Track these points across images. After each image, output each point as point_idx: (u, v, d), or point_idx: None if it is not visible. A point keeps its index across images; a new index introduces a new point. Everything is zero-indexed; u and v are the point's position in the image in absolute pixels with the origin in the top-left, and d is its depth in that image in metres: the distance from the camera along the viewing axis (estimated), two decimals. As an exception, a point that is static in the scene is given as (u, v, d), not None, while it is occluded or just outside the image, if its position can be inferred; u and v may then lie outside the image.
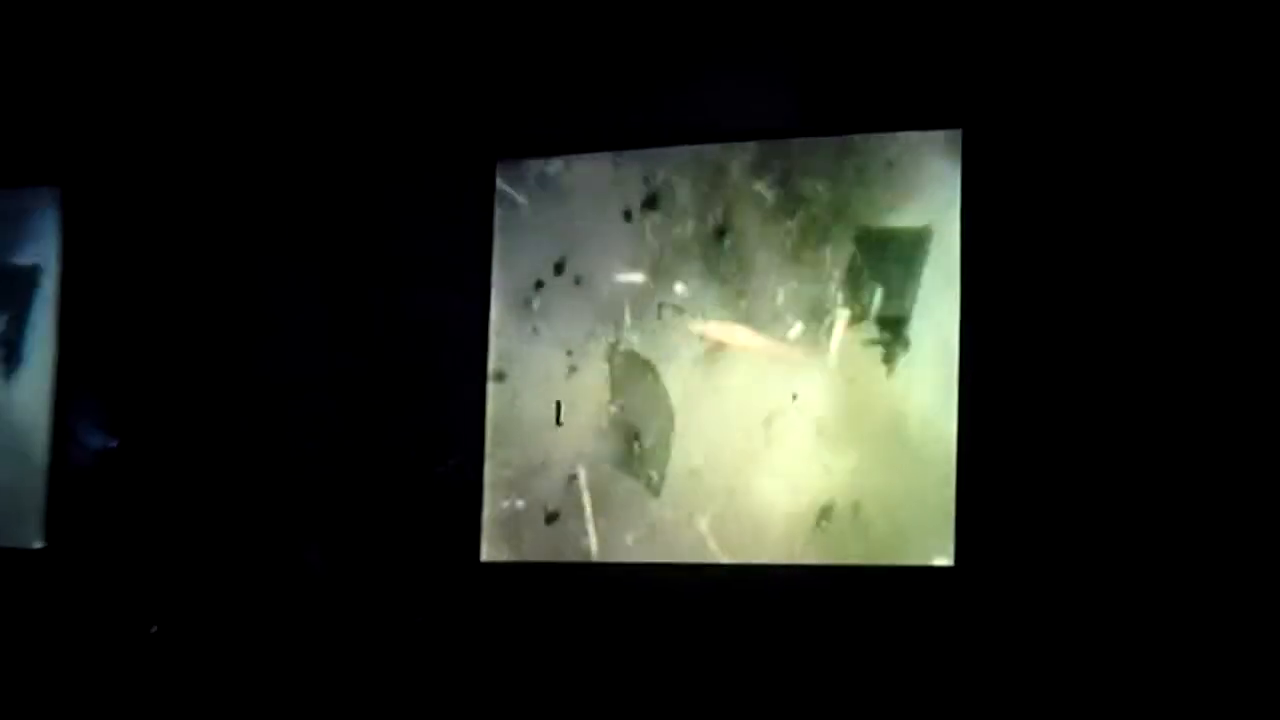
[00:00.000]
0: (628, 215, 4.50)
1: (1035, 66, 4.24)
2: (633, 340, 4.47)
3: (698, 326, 4.39)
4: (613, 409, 4.47)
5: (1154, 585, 4.05)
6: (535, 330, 4.59)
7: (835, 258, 4.30)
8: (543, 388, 4.58)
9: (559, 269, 4.59)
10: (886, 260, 4.29)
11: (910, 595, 4.20)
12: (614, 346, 4.49)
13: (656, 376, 4.44)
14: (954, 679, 4.15)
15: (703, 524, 4.35)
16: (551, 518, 4.50)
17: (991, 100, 4.25)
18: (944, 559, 4.12)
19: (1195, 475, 4.03)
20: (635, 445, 4.43)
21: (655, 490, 4.41)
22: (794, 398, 4.29)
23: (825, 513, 4.24)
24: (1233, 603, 3.98)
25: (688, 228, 4.43)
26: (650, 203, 4.48)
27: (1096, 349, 4.13)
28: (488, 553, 4.59)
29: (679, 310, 4.41)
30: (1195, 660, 3.98)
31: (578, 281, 4.54)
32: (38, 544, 5.01)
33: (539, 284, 4.59)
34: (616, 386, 4.47)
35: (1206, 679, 3.96)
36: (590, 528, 4.48)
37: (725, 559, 4.32)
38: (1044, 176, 4.19)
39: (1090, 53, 4.20)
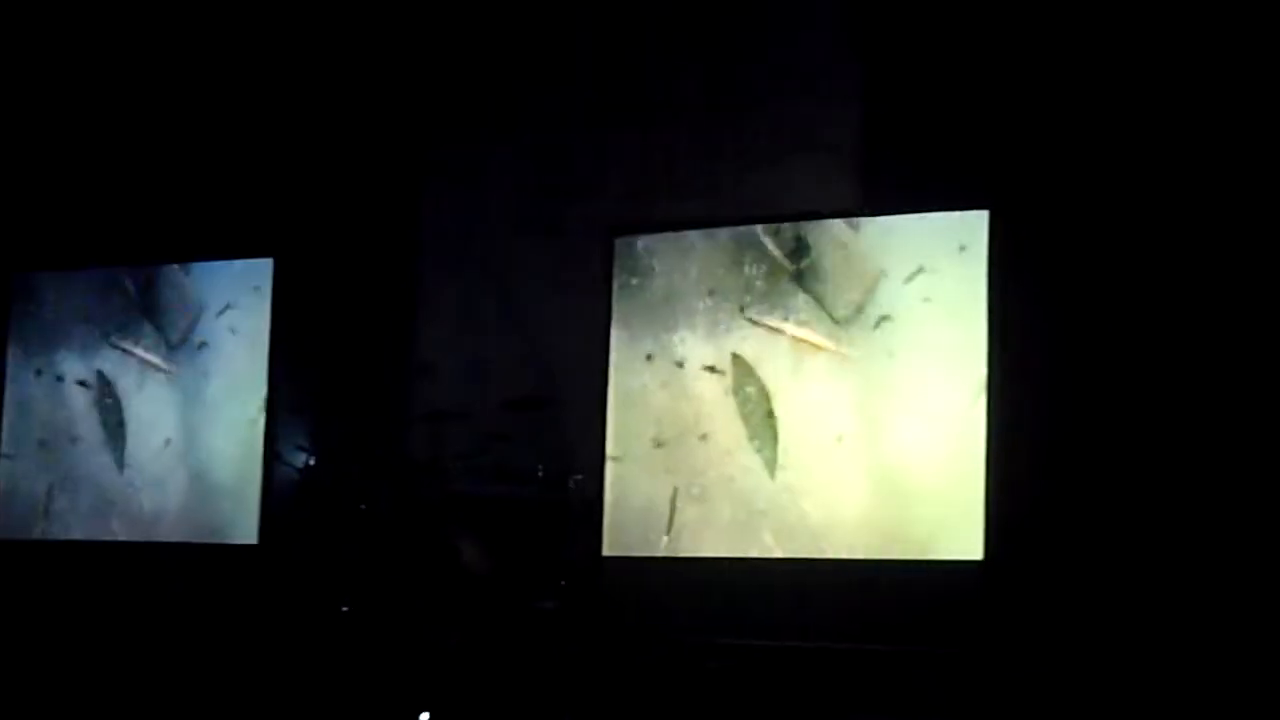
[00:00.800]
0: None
1: (1056, 157, 4.78)
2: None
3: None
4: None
5: (1177, 583, 4.48)
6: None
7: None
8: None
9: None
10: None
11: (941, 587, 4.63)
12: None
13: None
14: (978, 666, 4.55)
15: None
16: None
17: (1016, 186, 4.81)
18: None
19: (1204, 478, 4.49)
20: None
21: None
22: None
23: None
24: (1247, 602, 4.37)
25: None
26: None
27: (1108, 375, 4.64)
28: (608, 548, 5.16)
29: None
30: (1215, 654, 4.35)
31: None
32: (253, 541, 5.58)
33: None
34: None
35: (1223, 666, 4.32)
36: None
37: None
38: (1063, 252, 4.75)
39: (1098, 145, 4.75)
